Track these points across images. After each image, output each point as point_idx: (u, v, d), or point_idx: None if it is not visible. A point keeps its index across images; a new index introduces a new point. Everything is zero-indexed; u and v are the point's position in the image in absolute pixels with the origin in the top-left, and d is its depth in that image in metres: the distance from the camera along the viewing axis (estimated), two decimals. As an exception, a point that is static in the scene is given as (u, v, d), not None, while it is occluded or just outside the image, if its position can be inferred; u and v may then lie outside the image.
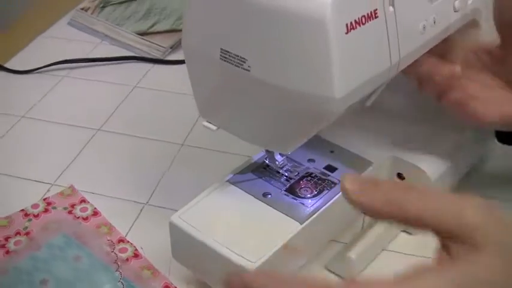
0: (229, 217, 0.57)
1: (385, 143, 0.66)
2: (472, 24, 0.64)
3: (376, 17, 0.48)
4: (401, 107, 0.70)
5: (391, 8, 0.50)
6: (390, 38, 0.50)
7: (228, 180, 0.60)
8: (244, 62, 0.48)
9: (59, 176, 0.75)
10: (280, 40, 0.46)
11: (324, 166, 0.63)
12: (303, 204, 0.58)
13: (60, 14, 1.10)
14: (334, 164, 0.63)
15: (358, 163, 0.63)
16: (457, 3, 0.58)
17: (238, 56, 0.49)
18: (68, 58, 0.96)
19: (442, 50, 0.59)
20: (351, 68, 0.47)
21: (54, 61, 0.96)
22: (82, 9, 1.09)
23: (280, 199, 0.58)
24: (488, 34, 0.62)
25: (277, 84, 0.48)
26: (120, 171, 0.75)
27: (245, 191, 0.59)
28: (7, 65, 0.96)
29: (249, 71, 0.48)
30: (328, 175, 0.61)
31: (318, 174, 0.61)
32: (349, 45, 0.46)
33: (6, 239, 0.67)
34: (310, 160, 0.63)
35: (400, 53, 0.52)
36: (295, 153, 0.61)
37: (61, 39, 1.04)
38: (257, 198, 0.58)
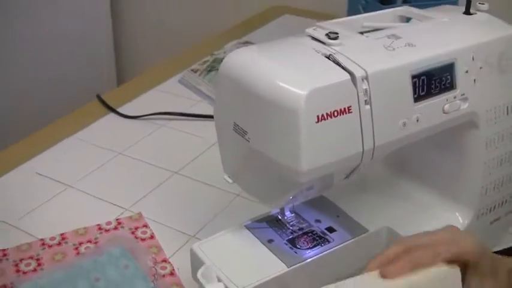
0: (235, 253, 0.73)
1: (383, 214, 0.79)
2: (470, 125, 0.75)
3: (349, 112, 0.63)
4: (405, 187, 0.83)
5: (367, 107, 0.64)
6: (364, 129, 0.64)
7: (245, 225, 0.77)
8: (246, 134, 0.66)
9: (133, 204, 0.95)
10: (267, 121, 0.62)
11: (326, 227, 0.77)
12: (296, 253, 0.73)
13: (174, 72, 1.34)
14: (335, 226, 0.77)
15: (356, 229, 0.77)
16: (446, 107, 0.71)
17: (243, 129, 0.66)
18: (171, 110, 1.18)
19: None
20: (318, 150, 0.62)
21: (158, 111, 1.18)
22: (192, 70, 1.31)
23: (281, 246, 0.73)
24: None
25: (265, 154, 0.64)
26: (182, 208, 0.93)
27: (255, 235, 0.75)
28: (120, 110, 1.20)
29: (248, 141, 0.66)
30: (327, 234, 0.76)
31: (318, 233, 0.76)
32: (318, 132, 0.61)
33: (80, 243, 0.88)
34: (317, 220, 0.78)
35: (375, 142, 0.66)
36: (306, 212, 0.78)
37: (169, 93, 1.27)
38: (262, 243, 0.74)
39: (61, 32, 1.96)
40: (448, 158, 0.80)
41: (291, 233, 0.76)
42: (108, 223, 0.91)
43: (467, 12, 0.79)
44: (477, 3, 0.80)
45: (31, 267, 0.83)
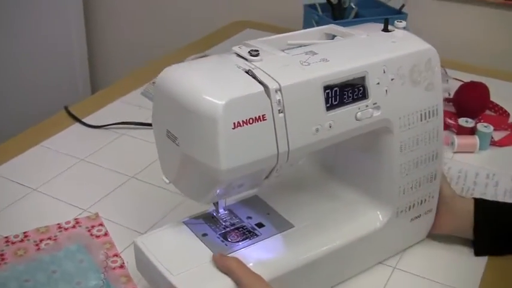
0: (172, 245, 0.84)
1: (310, 211, 0.90)
2: (385, 130, 0.86)
3: (264, 120, 0.74)
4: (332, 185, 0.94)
5: (280, 115, 0.75)
6: (278, 135, 0.75)
7: (183, 221, 0.87)
8: (176, 139, 0.77)
9: (92, 205, 1.06)
10: (192, 128, 0.73)
11: (256, 223, 0.88)
12: (227, 245, 0.83)
13: (138, 85, 1.45)
14: (264, 222, 0.88)
15: (283, 225, 0.88)
16: (359, 114, 0.82)
17: (174, 135, 0.77)
18: (133, 120, 1.29)
19: None
20: (235, 152, 0.72)
21: (121, 121, 1.29)
22: (153, 83, 1.42)
23: (213, 240, 0.84)
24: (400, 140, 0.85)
25: (192, 156, 0.75)
26: (136, 208, 1.04)
27: (191, 230, 0.86)
28: (85, 120, 1.31)
29: (178, 146, 0.76)
30: (256, 229, 0.87)
31: (248, 228, 0.87)
32: (235, 137, 0.71)
33: (41, 240, 0.98)
34: (248, 217, 0.89)
35: (289, 146, 0.77)
36: (239, 210, 0.89)
37: (132, 104, 1.38)
38: (197, 236, 0.85)
39: (37, 45, 2.08)
40: (368, 160, 0.91)
41: (224, 228, 0.86)
42: (68, 222, 1.02)
43: (385, 29, 0.90)
44: (395, 21, 0.91)
45: (-5, 261, 0.93)
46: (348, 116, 0.81)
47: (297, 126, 0.76)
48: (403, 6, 1.54)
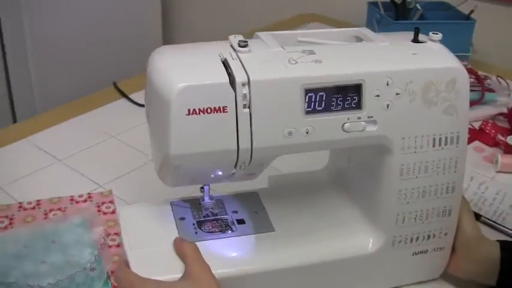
0: (146, 221, 0.84)
1: (300, 220, 0.86)
2: (383, 149, 0.79)
3: (224, 112, 0.71)
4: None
5: (245, 110, 0.71)
6: (240, 130, 0.71)
7: (171, 201, 0.87)
8: (149, 119, 0.76)
9: (108, 182, 1.07)
10: (155, 108, 0.72)
11: (238, 218, 0.85)
12: (196, 233, 0.81)
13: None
14: (246, 220, 0.84)
15: (264, 227, 0.84)
16: (347, 125, 0.75)
17: (149, 117, 0.76)
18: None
19: None
20: (187, 139, 0.70)
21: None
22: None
23: (187, 225, 0.83)
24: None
25: (154, 138, 0.74)
26: (152, 190, 1.01)
27: (172, 211, 0.85)
28: (132, 96, 1.34)
29: (149, 125, 0.75)
30: (234, 225, 0.83)
31: (228, 222, 0.84)
32: (188, 124, 0.69)
33: (51, 210, 1.01)
34: (234, 211, 0.86)
35: (253, 143, 0.72)
36: (230, 202, 0.87)
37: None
38: (174, 218, 0.84)
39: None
40: (367, 179, 0.84)
41: (204, 216, 0.84)
42: (80, 196, 1.04)
43: (415, 40, 0.82)
44: (430, 33, 0.83)
45: (3, 225, 0.97)
46: (333, 125, 0.75)
47: (265, 125, 0.72)
48: (472, 11, 1.44)
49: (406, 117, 0.77)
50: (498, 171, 1.17)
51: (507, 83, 1.43)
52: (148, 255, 0.78)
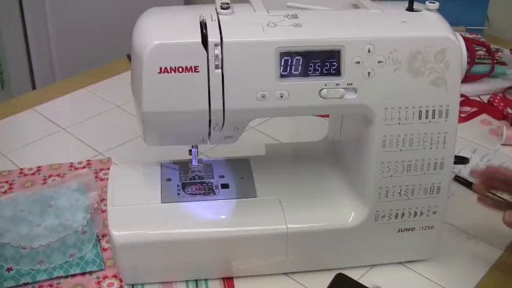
0: (133, 180, 0.87)
1: (286, 188, 0.86)
2: (365, 119, 0.78)
3: (196, 71, 0.72)
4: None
5: (217, 71, 0.72)
6: (212, 90, 0.72)
7: (161, 163, 0.89)
8: (131, 80, 0.77)
9: (108, 150, 1.10)
10: (134, 68, 0.74)
11: (223, 183, 0.86)
12: (179, 195, 0.83)
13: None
14: (231, 185, 0.85)
15: (248, 192, 0.85)
16: (324, 91, 0.75)
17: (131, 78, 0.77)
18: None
19: None
20: (159, 97, 0.71)
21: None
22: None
23: (171, 186, 0.85)
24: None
25: (134, 97, 0.75)
26: (149, 159, 1.04)
27: (160, 172, 0.87)
28: None
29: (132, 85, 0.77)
30: (218, 189, 0.85)
31: (212, 185, 0.85)
32: (160, 82, 0.71)
33: (50, 176, 1.04)
34: (221, 176, 0.87)
35: (225, 105, 0.73)
36: (218, 167, 0.89)
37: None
38: (161, 179, 0.86)
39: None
40: (353, 150, 0.84)
41: (190, 178, 0.86)
42: (80, 162, 1.07)
43: (410, 8, 0.81)
44: (427, 2, 0.81)
45: (3, 190, 1.01)
46: (310, 90, 0.75)
47: (237, 87, 0.73)
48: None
49: (389, 86, 0.76)
50: (503, 144, 1.15)
51: (516, 55, 1.39)
52: (126, 213, 0.80)
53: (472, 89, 1.31)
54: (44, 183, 1.02)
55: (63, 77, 1.34)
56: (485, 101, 1.28)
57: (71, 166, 1.05)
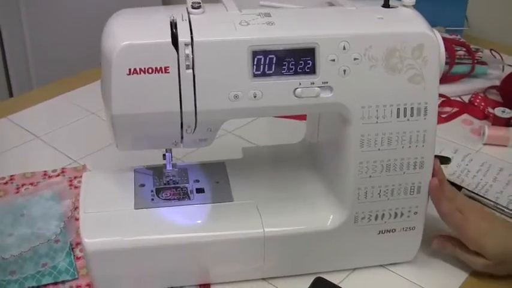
0: (106, 186, 0.85)
1: (263, 192, 0.85)
2: (341, 118, 0.77)
3: (166, 72, 0.70)
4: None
5: (188, 71, 0.71)
6: (183, 91, 0.71)
7: (135, 169, 0.87)
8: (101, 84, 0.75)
9: (83, 157, 1.08)
10: (103, 70, 0.72)
11: (198, 187, 0.84)
12: (153, 200, 0.82)
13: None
14: (206, 189, 0.84)
15: (224, 196, 0.83)
16: (298, 90, 0.74)
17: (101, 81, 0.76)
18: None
19: None
20: (129, 99, 0.70)
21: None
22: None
23: (145, 192, 0.83)
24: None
25: (103, 100, 0.74)
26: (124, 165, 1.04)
27: (134, 178, 0.86)
28: None
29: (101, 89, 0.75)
30: (193, 193, 0.83)
31: (187, 190, 0.84)
32: (129, 84, 0.69)
33: (23, 185, 1.02)
34: (196, 180, 0.86)
35: (197, 106, 0.72)
36: (193, 172, 0.87)
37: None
38: (134, 185, 0.84)
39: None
40: (331, 151, 0.83)
41: (165, 183, 0.85)
42: (54, 171, 1.05)
43: (385, 5, 0.80)
44: (404, -3, 0.80)
45: (-26, 200, 0.99)
46: (284, 89, 0.74)
47: (209, 88, 0.72)
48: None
49: (366, 84, 0.75)
50: (485, 144, 1.15)
51: (501, 56, 1.40)
52: (98, 219, 0.78)
53: (453, 90, 1.31)
54: (17, 192, 1.00)
55: (40, 85, 1.32)
56: (466, 101, 1.28)
57: (45, 174, 1.04)
